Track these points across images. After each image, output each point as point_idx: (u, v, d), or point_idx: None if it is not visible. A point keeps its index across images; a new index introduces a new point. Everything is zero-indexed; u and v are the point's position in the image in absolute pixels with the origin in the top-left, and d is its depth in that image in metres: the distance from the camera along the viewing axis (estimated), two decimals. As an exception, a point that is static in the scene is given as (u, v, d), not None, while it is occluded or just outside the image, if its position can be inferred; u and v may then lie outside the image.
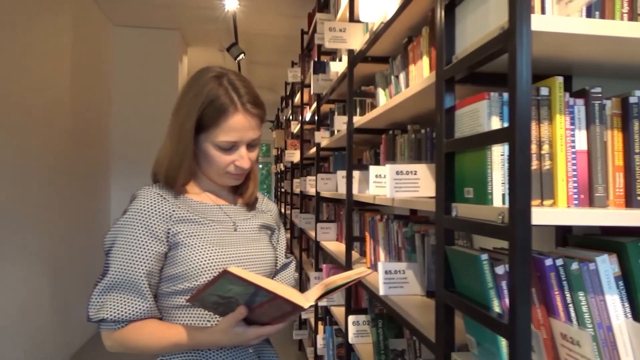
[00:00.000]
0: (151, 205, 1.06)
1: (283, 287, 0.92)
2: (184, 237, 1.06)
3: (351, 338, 2.14)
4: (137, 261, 1.03)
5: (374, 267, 2.13)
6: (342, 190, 2.49)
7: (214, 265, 1.05)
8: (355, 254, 2.43)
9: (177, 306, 1.07)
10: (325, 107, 3.40)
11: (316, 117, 3.42)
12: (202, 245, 1.06)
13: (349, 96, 2.26)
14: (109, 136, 5.01)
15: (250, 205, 1.23)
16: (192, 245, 1.05)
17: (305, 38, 4.57)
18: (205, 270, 1.04)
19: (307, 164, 4.66)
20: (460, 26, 1.09)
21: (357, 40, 2.22)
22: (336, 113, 3.05)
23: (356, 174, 2.35)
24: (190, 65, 6.16)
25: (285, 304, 0.91)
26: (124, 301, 1.02)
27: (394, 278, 1.67)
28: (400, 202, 1.58)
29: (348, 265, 2.25)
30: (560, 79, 0.96)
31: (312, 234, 3.54)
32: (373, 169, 1.83)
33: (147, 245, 1.04)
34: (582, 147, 0.98)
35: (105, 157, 4.90)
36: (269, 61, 6.36)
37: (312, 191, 3.57)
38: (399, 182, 1.59)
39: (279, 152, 7.87)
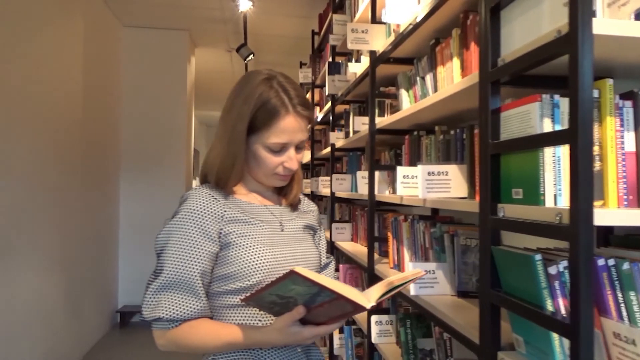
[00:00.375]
0: (203, 206, 1.07)
1: (345, 287, 0.93)
2: (235, 237, 1.07)
3: (374, 338, 2.15)
4: (191, 261, 1.04)
5: (397, 267, 2.14)
6: (362, 191, 2.50)
7: (265, 265, 1.06)
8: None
9: (227, 305, 1.08)
10: (339, 108, 3.42)
11: (331, 118, 3.43)
12: (253, 246, 1.07)
13: (371, 97, 2.27)
14: (119, 136, 5.02)
15: (294, 206, 1.24)
16: (243, 245, 1.07)
17: (316, 39, 4.57)
18: (257, 270, 1.05)
19: (317, 164, 4.67)
20: (506, 29, 1.11)
21: (379, 41, 2.23)
22: (352, 114, 3.06)
23: (376, 174, 2.36)
24: (198, 66, 6.16)
25: (346, 304, 0.92)
26: (179, 300, 1.03)
27: (424, 278, 1.68)
28: (433, 202, 1.59)
29: (370, 266, 2.26)
30: (610, 81, 0.97)
31: (326, 234, 3.55)
32: (401, 170, 1.84)
33: (201, 245, 1.05)
34: (631, 148, 0.99)
35: (114, 156, 4.91)
36: (275, 62, 6.36)
37: (324, 191, 3.58)
38: (430, 183, 1.60)
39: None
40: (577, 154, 0.80)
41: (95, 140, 4.29)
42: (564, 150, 0.98)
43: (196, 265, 1.04)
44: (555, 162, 0.98)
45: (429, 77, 1.86)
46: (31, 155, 3.07)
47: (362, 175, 2.50)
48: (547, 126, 0.98)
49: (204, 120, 11.40)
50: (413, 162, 2.05)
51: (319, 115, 4.13)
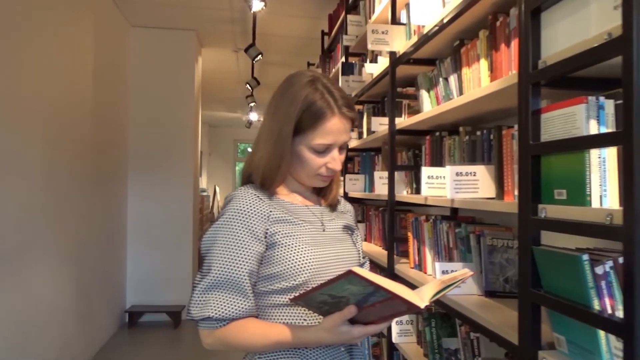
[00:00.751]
0: (250, 206, 1.08)
1: (399, 286, 0.94)
2: (281, 237, 1.08)
3: (395, 337, 2.16)
4: (239, 261, 1.05)
5: (418, 267, 2.15)
6: (379, 191, 2.51)
7: (312, 265, 1.07)
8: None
9: (272, 305, 1.09)
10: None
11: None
12: (299, 246, 1.08)
13: (391, 97, 2.28)
14: (126, 136, 5.02)
15: (333, 206, 1.25)
16: (289, 245, 1.08)
17: (325, 39, 4.58)
18: (303, 270, 1.06)
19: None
20: (546, 32, 1.11)
21: (399, 42, 2.24)
22: (366, 114, 3.07)
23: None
24: (205, 66, 6.16)
25: (400, 304, 0.92)
26: (228, 300, 1.04)
27: (451, 278, 1.69)
28: (461, 202, 1.60)
29: (390, 266, 2.27)
30: (655, 83, 0.98)
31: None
32: (426, 170, 1.85)
33: (249, 245, 1.06)
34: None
35: (122, 157, 4.91)
36: (281, 62, 6.37)
37: (337, 192, 3.58)
38: (459, 184, 1.61)
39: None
40: (633, 155, 0.81)
41: (104, 141, 4.29)
42: (609, 152, 0.99)
43: (244, 265, 1.05)
44: (601, 163, 0.99)
45: (452, 78, 1.86)
46: (46, 156, 3.08)
47: (379, 176, 2.50)
48: (593, 128, 0.99)
49: (206, 120, 11.40)
50: (435, 163, 2.06)
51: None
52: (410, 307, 0.93)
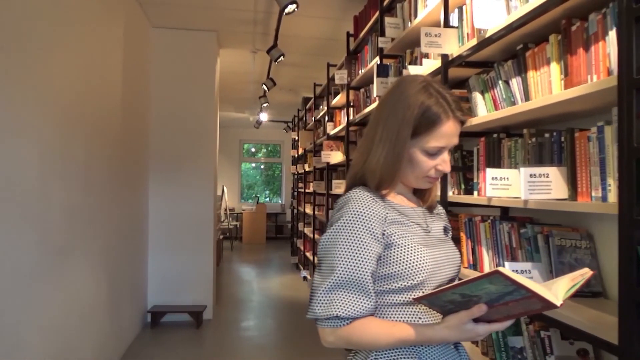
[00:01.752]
0: (368, 208, 1.11)
1: (537, 285, 0.97)
2: (397, 238, 1.11)
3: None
4: (362, 261, 1.07)
5: (472, 267, 2.18)
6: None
7: (427, 265, 1.10)
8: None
9: (388, 303, 1.11)
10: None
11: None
12: (414, 247, 1.11)
13: (443, 100, 2.30)
14: (148, 138, 5.02)
15: (431, 208, 1.28)
16: (406, 245, 1.10)
17: (350, 40, 4.60)
18: (420, 270, 1.09)
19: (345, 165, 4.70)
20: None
21: (451, 45, 2.27)
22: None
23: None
24: (222, 67, 6.17)
25: (536, 302, 0.95)
26: (353, 299, 1.06)
27: (521, 278, 1.71)
28: (536, 203, 1.63)
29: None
30: None
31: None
32: (490, 172, 1.88)
33: (370, 246, 1.08)
34: None
35: (145, 158, 4.91)
36: (296, 62, 6.38)
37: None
38: (532, 185, 1.64)
39: (303, 153, 7.87)
40: None
41: (131, 143, 4.30)
42: None
43: (367, 266, 1.07)
44: None
45: (515, 81, 1.89)
46: (85, 160, 3.08)
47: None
48: None
49: (213, 120, 11.40)
50: (491, 164, 2.08)
51: (357, 117, 4.17)
52: (545, 306, 0.96)
